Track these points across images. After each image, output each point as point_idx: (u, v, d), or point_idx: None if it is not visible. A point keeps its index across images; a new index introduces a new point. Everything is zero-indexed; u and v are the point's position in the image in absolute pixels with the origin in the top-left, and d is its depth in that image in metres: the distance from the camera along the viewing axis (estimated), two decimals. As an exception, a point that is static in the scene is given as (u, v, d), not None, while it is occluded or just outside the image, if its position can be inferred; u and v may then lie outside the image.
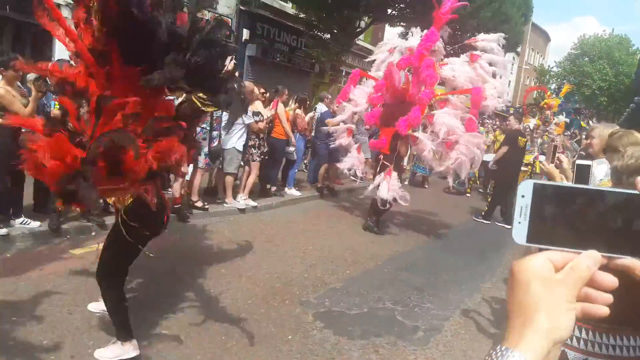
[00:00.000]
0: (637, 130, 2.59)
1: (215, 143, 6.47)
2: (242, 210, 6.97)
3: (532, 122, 11.42)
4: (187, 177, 6.26)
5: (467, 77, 6.53)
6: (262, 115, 6.99)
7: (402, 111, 6.38)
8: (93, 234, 5.21)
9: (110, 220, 4.73)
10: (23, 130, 2.94)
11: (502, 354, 0.53)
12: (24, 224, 4.91)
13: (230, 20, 14.76)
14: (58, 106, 5.26)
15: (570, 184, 1.22)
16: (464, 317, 4.41)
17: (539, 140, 10.73)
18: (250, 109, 6.70)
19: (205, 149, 6.35)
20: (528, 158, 9.59)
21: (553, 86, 33.79)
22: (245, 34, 15.22)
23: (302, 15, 15.57)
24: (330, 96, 9.32)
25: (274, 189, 8.07)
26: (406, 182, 10.90)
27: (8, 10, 9.37)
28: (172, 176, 5.63)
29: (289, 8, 16.41)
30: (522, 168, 9.23)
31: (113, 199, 2.93)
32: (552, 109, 11.99)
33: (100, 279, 2.99)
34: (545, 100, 12.35)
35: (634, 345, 1.94)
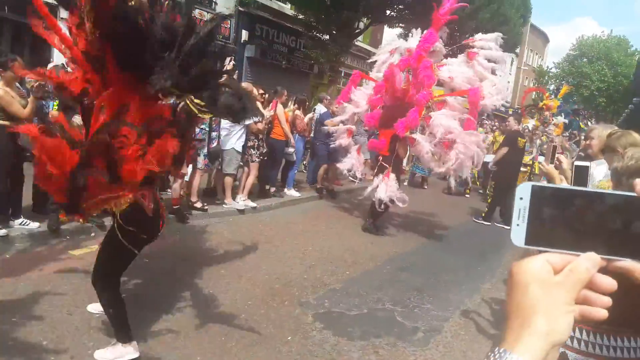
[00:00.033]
0: (636, 130, 2.60)
1: (215, 144, 6.48)
2: (241, 211, 6.97)
3: (530, 123, 11.44)
4: (187, 178, 6.26)
5: (465, 78, 6.51)
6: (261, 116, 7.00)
7: (401, 113, 6.38)
8: (92, 234, 5.20)
9: (109, 221, 4.72)
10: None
11: (499, 356, 0.53)
12: (23, 224, 4.90)
13: (229, 21, 14.77)
14: (57, 107, 5.28)
15: (568, 186, 1.22)
16: (463, 318, 4.42)
17: (538, 141, 10.74)
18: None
19: (205, 150, 6.35)
20: (526, 159, 9.59)
21: (552, 87, 33.85)
22: (244, 35, 15.23)
23: (300, 17, 15.57)
24: (329, 97, 9.33)
25: (273, 189, 8.07)
26: (405, 183, 10.91)
27: (7, 11, 9.37)
28: (171, 177, 5.65)
29: (287, 9, 16.42)
30: (521, 169, 9.24)
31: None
32: (551, 110, 11.99)
33: (95, 281, 2.99)
34: (544, 101, 12.36)
35: (635, 346, 1.94)
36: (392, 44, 7.60)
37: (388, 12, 14.82)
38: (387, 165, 6.57)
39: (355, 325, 3.97)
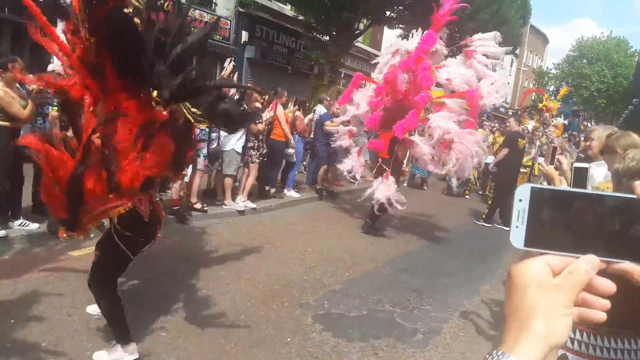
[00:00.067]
0: (636, 131, 2.60)
1: (214, 145, 6.48)
2: (241, 212, 6.96)
3: (530, 124, 11.44)
4: (186, 179, 6.26)
5: (463, 79, 6.49)
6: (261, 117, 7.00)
7: (401, 115, 6.37)
8: (91, 236, 5.18)
9: (107, 222, 4.71)
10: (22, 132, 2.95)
11: (498, 359, 0.53)
12: (23, 225, 4.90)
13: (229, 22, 14.79)
14: (56, 108, 5.28)
15: (568, 188, 1.22)
16: (463, 319, 4.41)
17: (538, 143, 10.74)
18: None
19: (204, 151, 6.36)
20: (525, 160, 9.59)
21: (552, 88, 33.87)
22: (244, 36, 15.24)
23: (300, 18, 15.58)
24: (329, 98, 9.33)
25: (272, 190, 8.07)
26: (405, 184, 10.91)
27: (7, 11, 9.36)
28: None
29: (287, 10, 16.43)
30: (521, 170, 9.25)
31: None
32: (550, 111, 12.01)
33: (92, 284, 2.99)
34: (544, 102, 12.37)
35: (635, 348, 1.94)
36: (395, 45, 7.58)
37: (388, 13, 14.83)
38: (387, 168, 6.57)
39: (355, 326, 3.97)
